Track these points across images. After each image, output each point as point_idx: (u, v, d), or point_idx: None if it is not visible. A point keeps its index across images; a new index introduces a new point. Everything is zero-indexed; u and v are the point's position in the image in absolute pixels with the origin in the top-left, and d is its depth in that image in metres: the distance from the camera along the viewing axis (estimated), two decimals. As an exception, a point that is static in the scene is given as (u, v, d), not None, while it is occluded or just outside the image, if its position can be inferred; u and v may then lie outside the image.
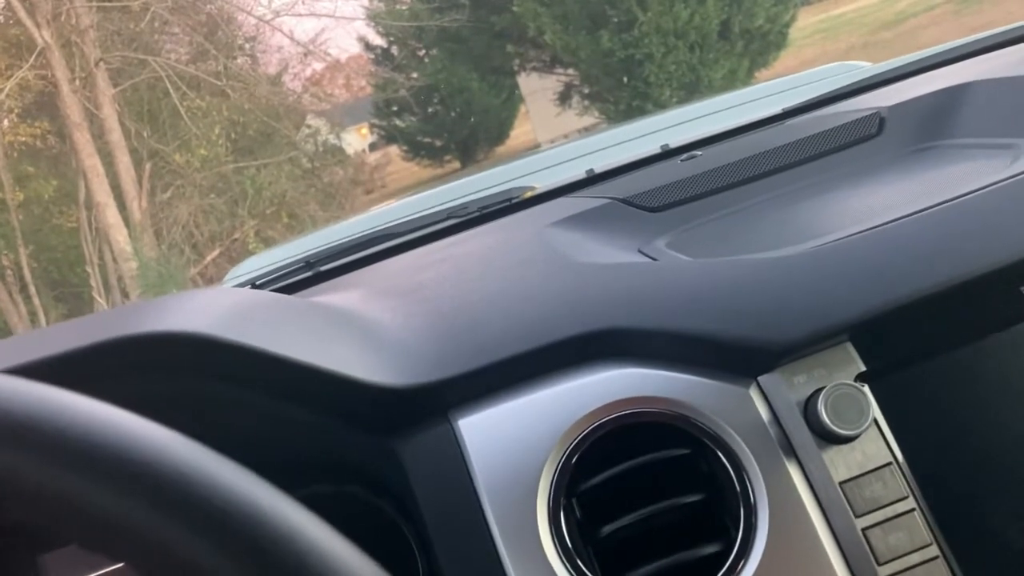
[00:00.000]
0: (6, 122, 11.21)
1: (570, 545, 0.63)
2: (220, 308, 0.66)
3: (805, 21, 19.15)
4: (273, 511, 0.32)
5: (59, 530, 0.31)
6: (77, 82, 10.57)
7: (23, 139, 11.56)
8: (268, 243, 10.38)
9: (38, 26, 9.93)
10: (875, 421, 0.64)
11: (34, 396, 0.32)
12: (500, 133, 21.30)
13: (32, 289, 10.99)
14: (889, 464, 0.63)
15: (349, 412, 0.68)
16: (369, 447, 0.71)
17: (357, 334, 0.74)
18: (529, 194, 1.31)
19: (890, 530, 0.62)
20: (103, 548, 0.31)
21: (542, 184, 1.41)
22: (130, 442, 0.31)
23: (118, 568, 0.78)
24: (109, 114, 10.52)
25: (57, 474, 0.31)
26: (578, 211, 1.03)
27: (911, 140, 1.03)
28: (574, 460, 0.65)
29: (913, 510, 0.62)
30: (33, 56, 10.09)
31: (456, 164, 20.60)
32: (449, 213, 1.28)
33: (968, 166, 0.87)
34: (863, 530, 0.62)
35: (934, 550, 0.62)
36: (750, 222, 0.93)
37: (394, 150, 21.96)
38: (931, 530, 0.62)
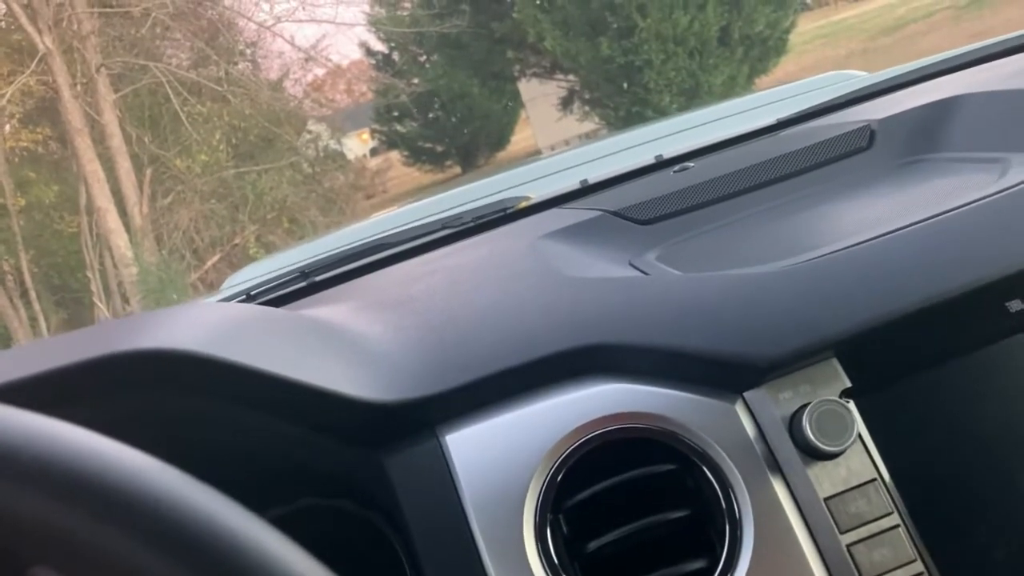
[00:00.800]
0: (7, 127, 11.23)
1: (556, 561, 0.63)
2: (208, 324, 0.66)
3: (805, 27, 19.18)
4: (247, 537, 0.32)
5: (33, 555, 0.32)
6: (78, 88, 10.59)
7: (24, 144, 11.58)
8: (269, 248, 10.40)
9: (40, 32, 9.95)
10: (860, 437, 0.65)
11: (11, 422, 0.33)
12: (501, 138, 21.32)
13: (33, 294, 11.00)
14: (874, 480, 0.64)
15: (337, 427, 0.68)
16: (357, 461, 0.71)
17: (346, 348, 0.75)
18: (523, 204, 1.32)
19: (874, 546, 0.62)
20: (77, 573, 0.32)
21: (537, 194, 1.41)
22: (105, 468, 0.32)
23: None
24: (110, 120, 10.53)
25: (31, 500, 0.31)
26: (570, 223, 1.04)
27: (901, 153, 1.03)
28: (561, 476, 0.65)
29: (898, 526, 0.63)
30: (35, 62, 10.10)
31: (457, 169, 20.62)
32: (444, 223, 1.29)
33: (956, 180, 0.88)
34: (848, 546, 0.62)
35: (919, 566, 0.62)
36: (740, 235, 0.93)
37: (395, 155, 21.97)
38: (915, 546, 0.62)
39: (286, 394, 0.63)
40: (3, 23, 11.24)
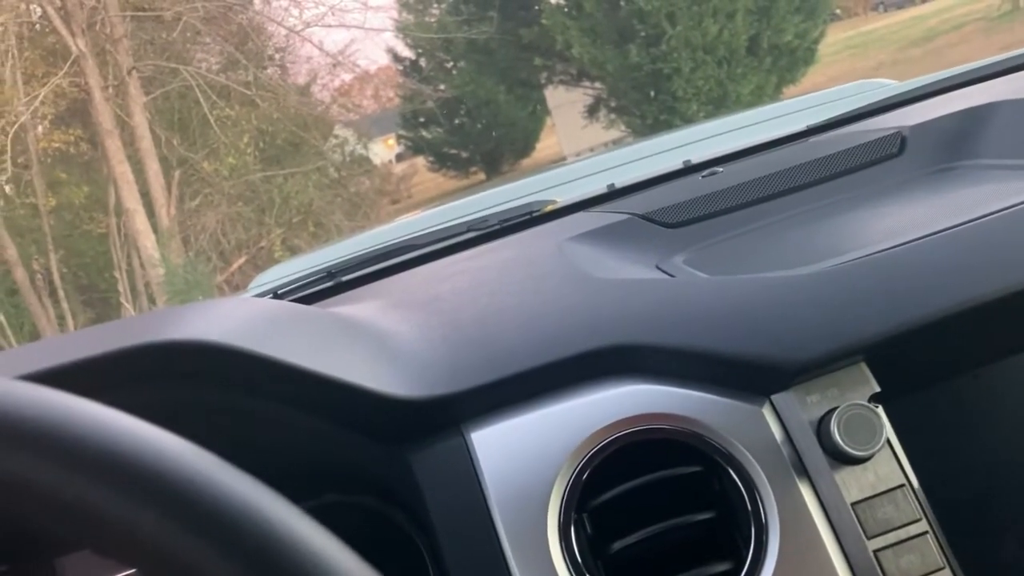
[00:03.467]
0: (40, 128, 11.39)
1: (580, 560, 0.63)
2: (238, 318, 0.67)
3: (834, 37, 19.07)
4: (280, 521, 0.32)
5: (71, 536, 0.32)
6: (110, 90, 10.73)
7: (56, 145, 11.74)
8: (294, 251, 10.46)
9: (73, 35, 10.10)
10: (888, 442, 0.64)
11: (52, 403, 0.33)
12: (526, 145, 21.34)
13: (61, 293, 11.14)
14: (902, 486, 0.63)
15: (363, 423, 0.69)
16: (382, 458, 0.71)
17: (373, 345, 0.75)
18: (549, 208, 1.32)
19: (902, 552, 0.61)
20: (115, 554, 0.32)
21: (563, 198, 1.41)
22: (143, 450, 0.32)
23: (132, 573, 0.79)
24: (140, 122, 10.65)
25: (71, 480, 0.31)
26: (597, 226, 1.04)
27: (932, 160, 1.02)
28: (585, 475, 0.65)
29: (926, 533, 0.62)
30: (67, 64, 10.25)
31: (481, 175, 20.66)
32: (469, 226, 1.29)
33: (988, 187, 0.87)
34: (875, 552, 0.61)
35: (947, 574, 0.61)
36: (769, 240, 0.93)
37: (420, 161, 22.06)
38: (944, 554, 0.62)
39: (314, 388, 0.64)
40: (38, 26, 11.40)
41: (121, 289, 10.82)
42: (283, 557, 0.31)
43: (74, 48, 10.07)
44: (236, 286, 10.63)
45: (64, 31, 10.10)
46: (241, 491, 0.32)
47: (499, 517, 0.64)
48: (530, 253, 1.02)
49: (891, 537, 0.62)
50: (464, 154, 21.04)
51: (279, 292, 1.25)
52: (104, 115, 10.33)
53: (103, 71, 10.67)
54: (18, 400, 0.32)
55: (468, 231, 1.28)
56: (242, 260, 11.35)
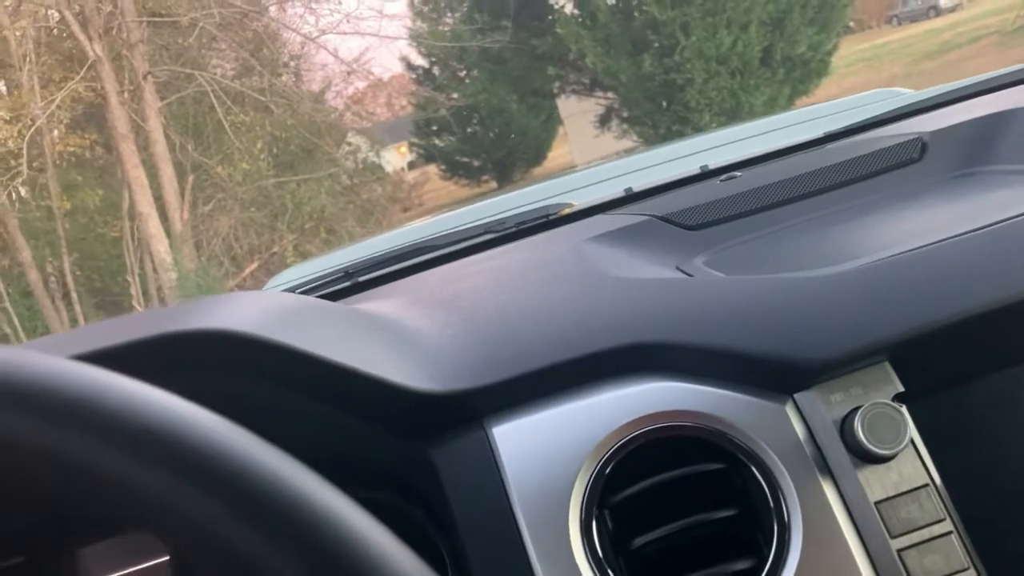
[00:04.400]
0: (56, 132, 11.47)
1: (602, 556, 0.63)
2: (264, 309, 0.67)
3: (848, 50, 19.04)
4: (321, 499, 0.32)
5: (111, 510, 0.32)
6: (125, 95, 10.81)
7: (72, 149, 11.82)
8: (306, 257, 10.49)
9: (90, 39, 10.18)
10: (912, 442, 0.64)
11: (92, 378, 0.33)
12: (537, 154, 21.36)
13: (74, 296, 11.19)
14: (926, 486, 0.63)
15: (385, 416, 0.69)
16: (403, 452, 0.72)
17: (395, 340, 0.75)
18: (567, 211, 1.32)
19: (926, 552, 0.61)
20: (156, 530, 0.32)
21: (580, 202, 1.42)
22: (183, 425, 0.32)
23: (151, 565, 0.79)
24: (155, 127, 10.73)
25: (110, 453, 0.32)
26: (616, 227, 1.04)
27: (953, 166, 1.02)
28: (607, 471, 0.65)
29: (950, 533, 0.62)
30: (84, 68, 10.34)
31: (493, 184, 20.68)
32: (486, 228, 1.30)
33: (1010, 192, 0.87)
34: (898, 551, 0.61)
35: (971, 574, 0.61)
36: (790, 243, 0.93)
37: (432, 169, 22.10)
38: (968, 554, 0.61)
39: (338, 380, 0.64)
40: (56, 31, 11.50)
41: (133, 292, 10.87)
42: (322, 534, 0.32)
43: (91, 53, 10.15)
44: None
45: (82, 36, 10.18)
46: (288, 471, 0.33)
47: (520, 511, 0.64)
48: (549, 253, 1.02)
49: (915, 537, 0.61)
50: (476, 162, 21.07)
51: (296, 292, 1.25)
52: (119, 119, 10.41)
53: (119, 76, 10.75)
54: (94, 383, 0.33)
55: (485, 233, 1.28)
56: (254, 265, 11.40)
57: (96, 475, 0.31)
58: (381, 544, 0.32)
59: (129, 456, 0.31)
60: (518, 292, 0.87)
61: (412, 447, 0.70)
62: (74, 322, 11.23)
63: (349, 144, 15.18)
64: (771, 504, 0.63)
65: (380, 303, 0.95)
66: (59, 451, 0.31)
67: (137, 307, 10.85)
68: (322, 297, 1.18)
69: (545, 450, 0.66)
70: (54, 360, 0.33)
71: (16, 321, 10.59)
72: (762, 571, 0.62)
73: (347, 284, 1.23)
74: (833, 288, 0.70)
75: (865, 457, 0.63)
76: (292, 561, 0.31)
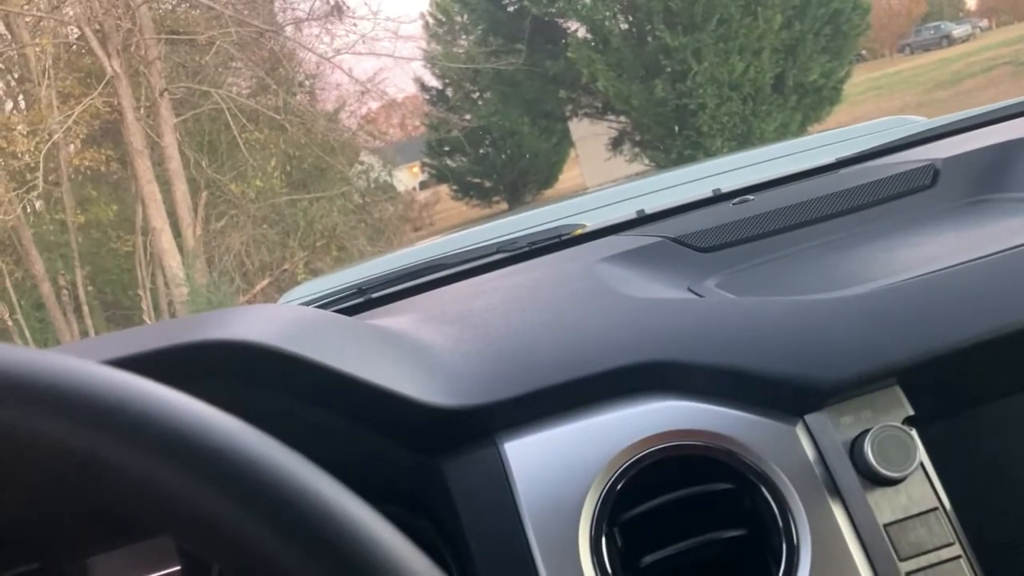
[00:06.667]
0: (72, 147, 11.57)
1: (611, 573, 0.63)
2: (279, 321, 0.68)
3: (860, 78, 19.09)
4: (343, 508, 0.33)
5: (137, 513, 0.33)
6: (142, 111, 10.90)
7: (88, 164, 11.91)
8: (317, 275, 10.50)
9: (108, 56, 10.29)
10: (922, 465, 0.64)
11: (119, 382, 0.34)
12: (549, 177, 21.43)
13: (85, 309, 11.24)
14: (935, 509, 0.63)
15: (398, 430, 0.70)
16: (415, 466, 0.72)
17: (409, 355, 0.76)
18: (579, 231, 1.33)
19: None
20: (179, 533, 0.33)
21: (592, 223, 1.42)
22: (210, 431, 0.33)
23: (163, 575, 0.80)
24: (170, 143, 10.81)
25: (137, 456, 0.32)
26: (629, 248, 1.05)
27: (965, 193, 1.03)
28: (618, 489, 0.66)
29: (959, 557, 0.62)
30: (102, 85, 10.44)
31: (504, 205, 20.73)
32: (499, 247, 1.31)
33: (1021, 220, 0.87)
34: (907, 574, 0.61)
35: None
36: (802, 266, 0.93)
37: (444, 189, 22.18)
38: None
39: (351, 392, 0.65)
40: (75, 47, 11.63)
41: (145, 307, 10.91)
42: (344, 541, 0.32)
43: (109, 69, 10.25)
44: (258, 307, 10.65)
45: (100, 53, 10.29)
46: (309, 477, 0.33)
47: (531, 527, 0.64)
48: (561, 273, 1.03)
49: (923, 560, 0.62)
50: (487, 183, 21.14)
51: (311, 307, 1.26)
52: (135, 135, 10.49)
53: (136, 92, 10.84)
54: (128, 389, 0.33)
55: (498, 252, 1.29)
56: (265, 282, 11.43)
57: (121, 476, 0.32)
58: (400, 550, 0.33)
59: (155, 458, 0.32)
60: (531, 310, 0.88)
61: (424, 461, 0.71)
62: (85, 335, 11.27)
63: (362, 163, 15.26)
64: (780, 525, 0.63)
65: (394, 319, 0.96)
66: (84, 451, 0.32)
67: (147, 321, 10.88)
68: (336, 312, 1.19)
69: (556, 466, 0.67)
70: (84, 363, 0.34)
71: (27, 333, 10.63)
72: (771, 591, 0.62)
73: (360, 300, 1.24)
74: (844, 311, 0.71)
75: (874, 479, 0.63)
76: (312, 564, 0.31)
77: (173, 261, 10.65)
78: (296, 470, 0.33)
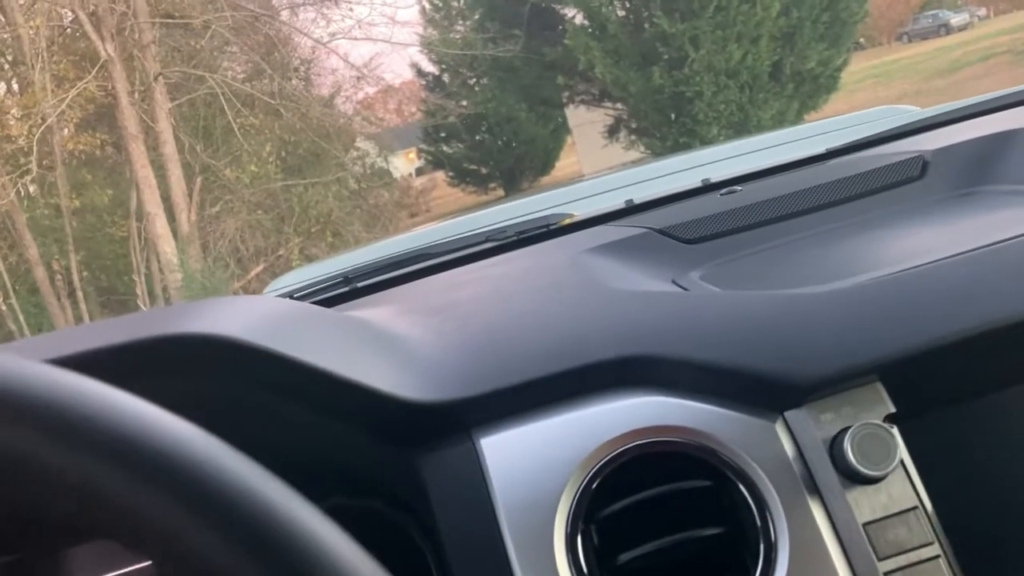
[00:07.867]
0: (66, 131, 11.52)
1: (586, 571, 0.63)
2: (255, 315, 0.67)
3: (858, 66, 19.06)
4: (287, 510, 0.32)
5: (78, 518, 0.32)
6: (136, 95, 10.86)
7: (82, 148, 11.86)
8: (311, 260, 10.51)
9: (103, 39, 10.23)
10: (902, 463, 0.63)
11: (64, 384, 0.33)
12: (545, 163, 21.37)
13: (80, 294, 11.22)
14: (915, 508, 0.62)
15: (372, 424, 0.69)
16: (390, 461, 0.71)
17: (387, 348, 0.75)
18: (567, 221, 1.32)
19: (913, 575, 0.60)
20: (121, 538, 0.32)
21: (581, 212, 1.41)
22: (152, 432, 0.32)
23: (139, 568, 0.79)
24: (164, 127, 10.77)
25: (78, 459, 0.31)
26: (614, 239, 1.04)
27: (953, 184, 1.02)
28: (594, 485, 0.65)
29: (938, 556, 0.61)
30: (96, 68, 10.38)
31: (500, 192, 20.69)
32: (487, 236, 1.30)
33: (1010, 212, 0.86)
34: (885, 574, 0.61)
35: None
36: (787, 258, 0.92)
37: (440, 175, 22.13)
38: None
39: (326, 388, 0.64)
40: (69, 31, 11.56)
41: (139, 292, 10.89)
42: (289, 547, 0.31)
43: (103, 53, 10.20)
44: (253, 293, 10.67)
45: (94, 36, 10.23)
46: (251, 480, 0.32)
47: (506, 524, 0.64)
48: (547, 263, 1.02)
49: (902, 560, 0.61)
50: (484, 170, 21.08)
51: (295, 295, 1.25)
52: (130, 120, 10.45)
53: (130, 76, 10.80)
54: (63, 387, 0.32)
55: (485, 241, 1.28)
56: (260, 268, 11.42)
57: (59, 482, 0.31)
58: (347, 555, 0.32)
59: (93, 463, 0.31)
60: (513, 301, 0.87)
61: (400, 455, 0.70)
62: (79, 320, 11.25)
63: (357, 149, 15.23)
64: (758, 523, 0.63)
65: (376, 310, 0.95)
66: (16, 452, 0.31)
67: (142, 307, 10.86)
68: (319, 302, 1.18)
69: (532, 462, 0.66)
70: (23, 364, 0.33)
71: (21, 318, 10.61)
72: (748, 590, 0.61)
73: (345, 290, 1.23)
74: (827, 306, 0.70)
75: (854, 478, 0.62)
76: (256, 568, 0.31)
77: (167, 246, 10.63)
78: (241, 472, 0.32)
